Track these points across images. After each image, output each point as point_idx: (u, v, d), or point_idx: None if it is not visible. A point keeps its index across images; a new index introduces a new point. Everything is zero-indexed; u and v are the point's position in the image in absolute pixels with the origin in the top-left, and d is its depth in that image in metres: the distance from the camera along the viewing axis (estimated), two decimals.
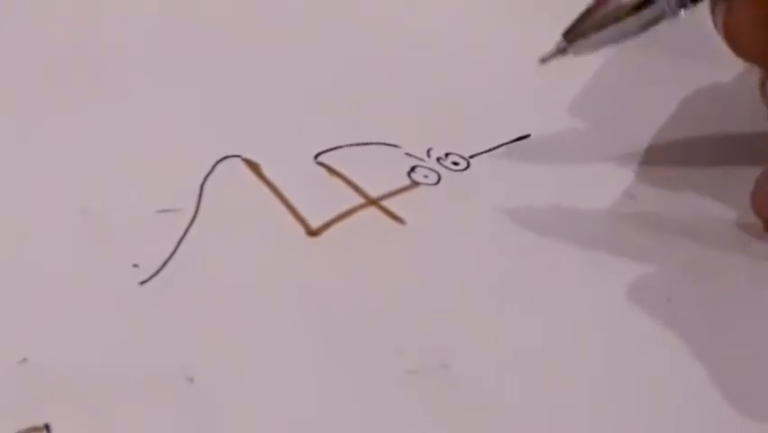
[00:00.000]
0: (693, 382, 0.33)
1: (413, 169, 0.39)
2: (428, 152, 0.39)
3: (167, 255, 0.36)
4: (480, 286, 0.36)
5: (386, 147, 0.39)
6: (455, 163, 0.39)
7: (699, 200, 0.38)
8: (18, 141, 0.39)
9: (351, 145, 0.39)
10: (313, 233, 0.37)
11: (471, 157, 0.39)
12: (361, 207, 0.38)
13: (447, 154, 0.39)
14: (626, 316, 0.35)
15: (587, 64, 0.38)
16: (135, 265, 0.36)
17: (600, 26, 0.36)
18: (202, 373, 0.33)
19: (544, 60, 0.37)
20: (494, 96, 0.41)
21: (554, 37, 0.42)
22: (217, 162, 0.39)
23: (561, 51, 0.37)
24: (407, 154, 0.39)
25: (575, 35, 0.36)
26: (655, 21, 0.36)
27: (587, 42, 0.36)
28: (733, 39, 0.36)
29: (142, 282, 0.35)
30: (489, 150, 0.39)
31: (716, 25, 0.37)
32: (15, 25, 0.44)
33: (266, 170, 0.38)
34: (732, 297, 0.36)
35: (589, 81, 0.41)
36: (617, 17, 0.36)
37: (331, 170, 0.39)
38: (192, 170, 0.38)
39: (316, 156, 0.39)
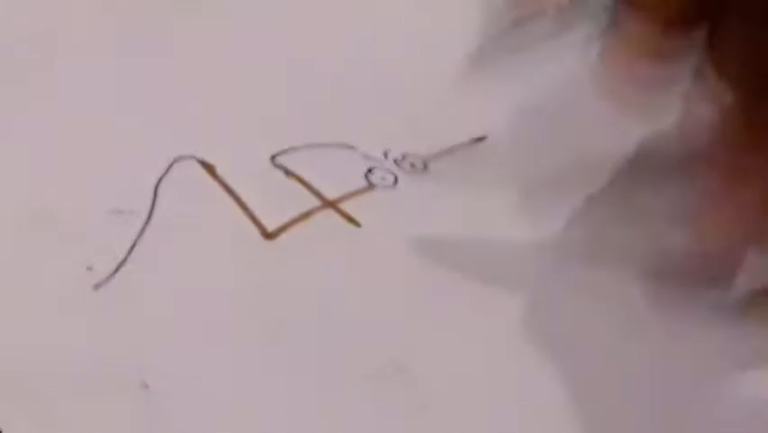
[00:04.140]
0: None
1: (370, 170, 0.39)
2: (385, 153, 0.39)
3: (121, 258, 0.36)
4: (435, 288, 0.36)
5: (343, 148, 0.39)
6: (413, 165, 0.39)
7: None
8: None
9: (307, 147, 0.39)
10: (269, 235, 0.37)
11: (429, 159, 0.39)
12: (318, 209, 0.37)
13: (404, 156, 0.39)
14: (582, 318, 0.35)
15: (543, 67, 0.37)
16: (89, 268, 0.35)
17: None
18: (156, 378, 0.33)
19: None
20: (451, 97, 0.41)
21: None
22: (172, 163, 0.38)
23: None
24: (365, 156, 0.39)
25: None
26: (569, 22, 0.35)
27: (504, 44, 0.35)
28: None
29: (96, 285, 0.35)
30: (446, 151, 0.39)
31: None
32: None
33: (221, 172, 0.38)
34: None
35: (546, 83, 0.41)
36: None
37: (287, 172, 0.38)
38: (146, 172, 0.38)
39: (272, 157, 0.39)
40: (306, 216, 0.37)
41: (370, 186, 0.38)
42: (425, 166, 0.39)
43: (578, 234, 0.37)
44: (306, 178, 0.38)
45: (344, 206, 0.38)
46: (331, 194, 0.38)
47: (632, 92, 0.34)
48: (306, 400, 0.33)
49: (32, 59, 0.41)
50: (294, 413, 0.33)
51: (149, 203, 0.37)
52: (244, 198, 0.37)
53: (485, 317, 0.35)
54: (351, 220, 0.37)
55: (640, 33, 0.33)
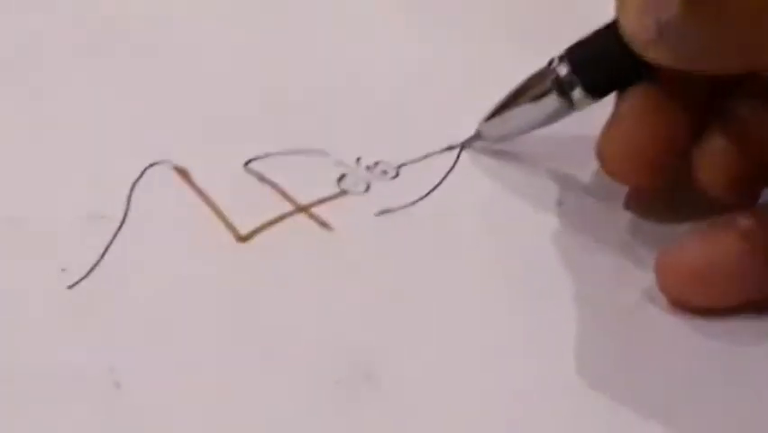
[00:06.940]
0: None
1: (342, 177, 0.39)
2: (358, 160, 0.39)
3: (95, 260, 0.36)
4: (406, 294, 0.36)
5: (315, 155, 0.39)
6: (384, 172, 0.39)
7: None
8: None
9: (281, 153, 0.39)
10: (242, 239, 0.37)
11: (401, 166, 0.39)
12: (290, 213, 0.38)
13: (376, 163, 0.39)
14: (552, 323, 0.35)
15: (516, 77, 0.38)
16: (63, 270, 0.36)
17: (506, 110, 0.38)
18: (129, 379, 0.33)
19: (464, 145, 0.40)
20: (424, 105, 0.41)
21: (480, 48, 0.43)
22: (146, 168, 0.39)
23: (477, 136, 0.39)
24: (337, 162, 0.39)
25: (487, 118, 0.39)
26: (556, 114, 0.37)
27: (496, 126, 0.39)
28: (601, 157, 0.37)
29: (70, 287, 0.35)
30: (419, 159, 0.39)
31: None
32: None
33: (195, 177, 0.39)
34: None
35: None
36: (518, 103, 0.38)
37: (261, 177, 0.39)
38: (121, 176, 0.38)
39: (246, 163, 0.39)
40: (278, 220, 0.37)
41: (343, 192, 0.39)
42: (398, 173, 0.39)
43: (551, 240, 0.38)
44: (279, 183, 0.39)
45: (317, 211, 0.38)
46: (303, 199, 0.38)
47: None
48: (276, 404, 0.33)
49: (10, 63, 0.42)
50: (264, 416, 0.33)
51: (123, 208, 0.38)
52: (218, 202, 0.38)
53: (457, 323, 0.35)
54: (323, 224, 0.38)
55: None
